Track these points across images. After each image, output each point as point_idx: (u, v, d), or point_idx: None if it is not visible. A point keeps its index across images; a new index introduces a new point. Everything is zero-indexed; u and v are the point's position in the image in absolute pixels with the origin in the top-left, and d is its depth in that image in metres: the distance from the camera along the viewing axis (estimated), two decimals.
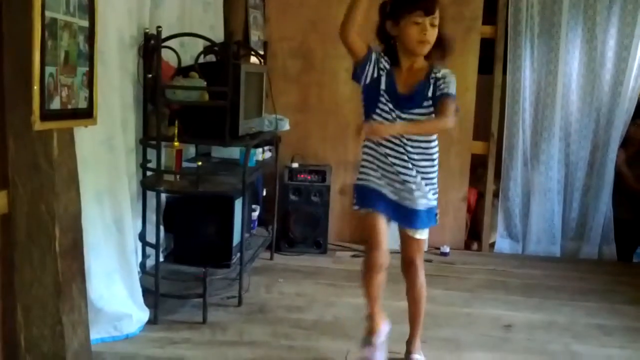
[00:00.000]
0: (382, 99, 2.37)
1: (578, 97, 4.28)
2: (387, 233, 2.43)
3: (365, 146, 2.46)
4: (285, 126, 3.70)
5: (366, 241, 2.48)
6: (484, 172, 4.46)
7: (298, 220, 4.12)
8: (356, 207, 2.50)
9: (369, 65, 2.35)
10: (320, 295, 3.37)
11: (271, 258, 3.95)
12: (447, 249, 4.26)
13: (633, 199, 4.42)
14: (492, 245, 4.48)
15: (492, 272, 3.97)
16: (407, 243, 2.50)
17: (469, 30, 4.21)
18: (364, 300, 2.50)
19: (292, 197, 4.11)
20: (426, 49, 2.31)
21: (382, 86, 2.37)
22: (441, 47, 2.35)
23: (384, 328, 2.48)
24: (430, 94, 2.32)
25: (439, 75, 2.33)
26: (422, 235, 2.47)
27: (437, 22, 2.28)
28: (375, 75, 2.37)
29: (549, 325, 3.10)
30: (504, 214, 4.45)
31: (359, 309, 3.12)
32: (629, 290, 3.67)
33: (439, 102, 2.29)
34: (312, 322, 2.99)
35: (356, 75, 2.39)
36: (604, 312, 3.30)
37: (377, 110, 2.39)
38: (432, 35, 2.29)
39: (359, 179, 2.48)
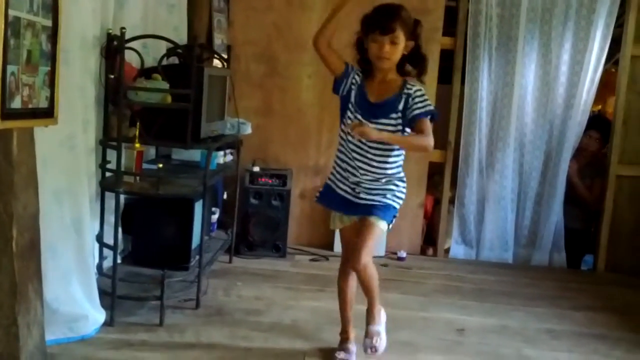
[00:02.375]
0: (350, 110, 2.49)
1: (533, 108, 4.41)
2: None
3: (337, 150, 2.61)
4: (247, 130, 3.72)
5: (342, 248, 2.73)
6: (440, 180, 4.56)
7: (258, 223, 4.13)
8: (317, 201, 2.73)
9: (346, 81, 2.49)
10: (278, 298, 3.39)
11: (230, 261, 3.95)
12: (403, 254, 4.33)
13: (583, 209, 4.58)
14: (447, 250, 4.57)
15: (447, 277, 4.05)
16: (358, 228, 2.54)
17: (429, 41, 4.25)
18: (339, 314, 2.73)
19: (253, 200, 4.12)
20: (385, 64, 2.43)
21: (352, 99, 2.49)
22: (416, 65, 2.48)
23: (354, 343, 2.70)
24: (400, 107, 2.43)
25: (411, 92, 2.44)
26: (375, 220, 2.49)
27: (399, 40, 2.39)
28: (348, 88, 2.50)
29: (500, 329, 3.19)
30: (459, 221, 4.55)
31: (317, 312, 3.19)
32: (577, 296, 3.80)
33: (417, 123, 2.39)
34: (270, 324, 3.01)
35: (336, 90, 2.53)
36: (554, 317, 3.41)
37: (344, 120, 2.52)
38: (391, 52, 2.40)
39: (328, 178, 2.67)
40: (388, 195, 2.53)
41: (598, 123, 4.63)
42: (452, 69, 4.41)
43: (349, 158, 2.53)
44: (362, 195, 2.53)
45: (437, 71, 4.31)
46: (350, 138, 2.50)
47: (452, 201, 4.57)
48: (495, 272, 4.21)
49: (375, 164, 2.49)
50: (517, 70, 4.33)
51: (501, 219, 4.48)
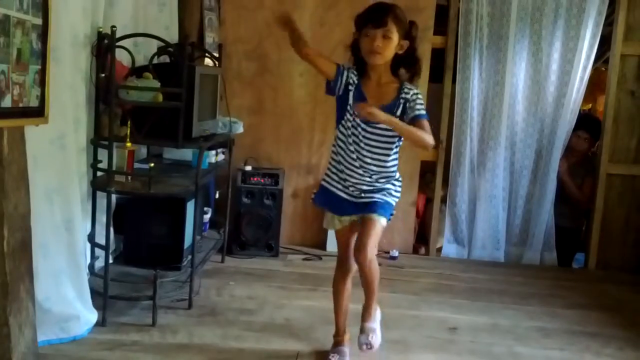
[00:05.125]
0: (349, 112, 2.47)
1: (523, 107, 4.42)
2: (353, 244, 2.58)
3: (332, 152, 2.60)
4: (239, 129, 3.71)
5: (337, 248, 2.71)
6: (432, 179, 4.57)
7: (250, 223, 4.12)
8: (314, 202, 2.70)
9: (340, 80, 2.46)
10: (271, 297, 3.38)
11: (222, 261, 3.94)
12: (395, 253, 4.34)
13: (574, 207, 4.60)
14: (439, 249, 4.58)
15: (438, 275, 4.06)
16: (361, 226, 2.54)
17: (420, 40, 4.26)
18: (334, 315, 2.71)
19: (245, 200, 4.12)
20: (377, 59, 2.41)
21: (350, 100, 2.46)
22: (411, 67, 2.49)
23: (348, 345, 2.72)
24: (398, 113, 2.43)
25: (408, 96, 2.43)
26: (377, 217, 2.50)
27: (392, 35, 2.37)
28: (344, 88, 2.47)
29: (492, 327, 3.20)
30: (450, 220, 4.56)
31: (310, 311, 3.19)
32: (568, 294, 3.82)
33: (417, 123, 2.39)
34: (262, 324, 3.01)
35: (330, 90, 2.51)
36: (545, 315, 3.42)
37: (342, 122, 2.50)
38: (383, 47, 2.38)
39: (323, 179, 2.65)
40: (385, 193, 2.53)
41: (587, 122, 4.65)
42: (443, 68, 4.42)
43: (347, 161, 2.51)
44: (361, 195, 2.53)
45: (429, 70, 4.31)
46: (350, 140, 2.48)
47: (443, 200, 4.58)
48: (486, 271, 4.22)
49: (373, 167, 2.49)
50: (508, 69, 4.34)
51: (493, 218, 4.49)
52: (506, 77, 4.35)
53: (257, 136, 4.35)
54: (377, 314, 2.67)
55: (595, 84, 5.40)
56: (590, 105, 6.24)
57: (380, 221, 2.50)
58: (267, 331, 2.92)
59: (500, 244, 4.53)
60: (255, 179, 4.15)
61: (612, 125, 4.37)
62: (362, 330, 2.60)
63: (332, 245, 4.23)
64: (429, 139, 2.37)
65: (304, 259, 4.18)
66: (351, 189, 2.53)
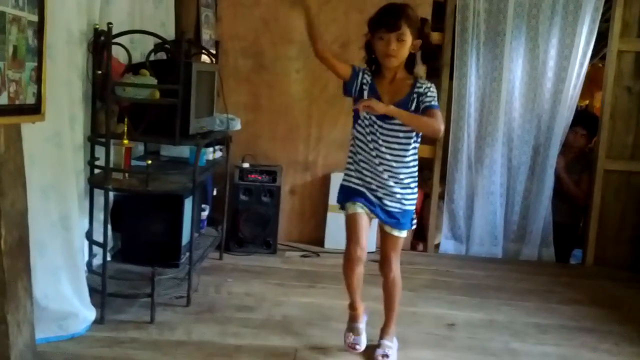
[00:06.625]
0: (364, 112, 2.46)
1: (520, 103, 4.42)
2: (368, 231, 2.58)
3: (351, 152, 2.61)
4: (237, 126, 3.71)
5: (347, 236, 2.59)
6: (430, 175, 4.57)
7: (248, 220, 4.12)
8: (339, 205, 2.66)
9: (356, 81, 2.50)
10: (269, 294, 3.39)
11: (220, 258, 3.95)
12: None
13: (571, 204, 4.61)
14: (437, 246, 4.59)
15: (436, 272, 4.06)
16: (383, 239, 2.62)
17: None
18: (346, 291, 2.66)
19: (242, 197, 4.11)
20: (392, 62, 2.43)
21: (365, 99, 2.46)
22: (428, 63, 2.54)
23: (364, 316, 2.70)
24: (412, 107, 2.44)
25: (421, 90, 2.45)
26: (398, 233, 2.57)
27: (405, 37, 2.39)
28: (359, 88, 2.50)
29: (489, 323, 3.20)
30: (448, 216, 4.56)
31: (308, 308, 3.19)
32: (566, 290, 3.82)
33: (427, 113, 2.40)
34: (260, 321, 3.01)
35: (346, 92, 2.54)
36: (542, 311, 3.43)
37: (359, 121, 2.53)
38: (398, 50, 2.40)
39: (343, 180, 2.65)
40: (404, 202, 2.55)
41: (584, 119, 4.65)
42: (440, 64, 4.41)
43: (367, 158, 2.53)
44: (384, 201, 2.53)
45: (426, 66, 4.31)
46: (369, 139, 2.50)
47: (441, 196, 4.58)
48: (484, 267, 4.23)
49: (393, 163, 2.50)
50: (505, 65, 4.34)
51: (490, 214, 4.50)
52: (503, 73, 4.35)
53: (254, 133, 4.35)
54: (395, 341, 2.69)
55: (592, 81, 5.40)
56: (588, 101, 6.26)
57: (403, 235, 2.57)
58: (265, 328, 2.93)
59: (498, 240, 4.53)
60: (252, 176, 4.14)
61: (609, 122, 4.38)
62: (380, 346, 2.63)
63: (330, 242, 4.24)
64: (436, 124, 2.36)
65: (302, 256, 4.18)
66: (372, 186, 2.54)
